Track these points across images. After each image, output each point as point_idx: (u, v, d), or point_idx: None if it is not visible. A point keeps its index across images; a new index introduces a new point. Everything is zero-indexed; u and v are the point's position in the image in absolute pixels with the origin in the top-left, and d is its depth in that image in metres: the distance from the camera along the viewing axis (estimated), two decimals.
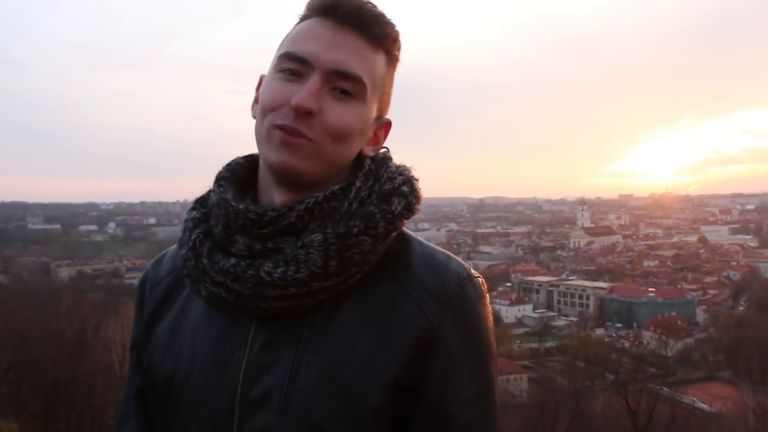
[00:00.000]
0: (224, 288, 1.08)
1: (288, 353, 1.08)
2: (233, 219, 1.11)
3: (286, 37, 1.15)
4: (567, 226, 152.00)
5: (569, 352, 56.81)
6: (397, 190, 1.13)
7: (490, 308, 1.17)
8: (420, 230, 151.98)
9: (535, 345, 71.64)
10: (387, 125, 1.22)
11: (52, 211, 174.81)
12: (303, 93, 1.06)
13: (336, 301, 1.09)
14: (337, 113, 1.09)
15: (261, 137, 1.12)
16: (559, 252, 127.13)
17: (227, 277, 1.08)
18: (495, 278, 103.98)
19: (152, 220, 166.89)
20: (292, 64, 1.09)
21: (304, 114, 1.06)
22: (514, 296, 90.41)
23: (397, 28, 1.16)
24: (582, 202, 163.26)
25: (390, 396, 1.05)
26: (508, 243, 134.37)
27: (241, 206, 1.11)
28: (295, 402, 1.05)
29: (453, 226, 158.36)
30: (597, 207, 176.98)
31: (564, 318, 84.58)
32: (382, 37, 1.13)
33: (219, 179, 1.19)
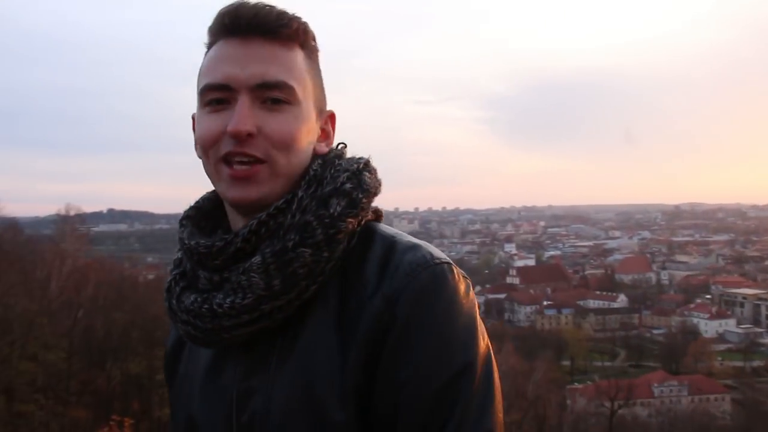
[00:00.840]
0: (190, 325, 1.10)
1: (263, 376, 1.08)
2: (189, 256, 1.13)
3: (199, 71, 1.13)
4: None
5: None
6: (338, 190, 1.09)
7: (464, 297, 1.07)
8: (610, 238, 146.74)
9: (739, 363, 66.94)
10: (331, 117, 1.21)
11: None
12: (236, 117, 1.05)
13: (301, 316, 1.08)
14: (277, 124, 1.07)
15: (212, 176, 1.12)
16: (767, 263, 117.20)
17: (189, 314, 1.09)
18: (692, 290, 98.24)
19: None
20: (216, 94, 1.08)
21: (246, 138, 1.06)
22: (714, 309, 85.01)
23: (302, 18, 1.13)
24: None
25: (357, 406, 1.02)
26: (708, 252, 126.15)
27: (192, 242, 1.11)
28: (271, 426, 1.06)
29: (646, 234, 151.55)
30: None
31: None
32: (291, 34, 1.11)
33: (181, 219, 1.19)
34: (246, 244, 1.07)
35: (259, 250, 1.06)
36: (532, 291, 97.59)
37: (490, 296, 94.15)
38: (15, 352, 25.86)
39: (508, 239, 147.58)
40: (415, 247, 1.09)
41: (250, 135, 1.06)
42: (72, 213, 41.70)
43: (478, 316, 1.08)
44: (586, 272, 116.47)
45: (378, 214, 1.18)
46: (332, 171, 1.12)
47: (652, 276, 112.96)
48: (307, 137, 1.12)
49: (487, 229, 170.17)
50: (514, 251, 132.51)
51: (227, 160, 1.08)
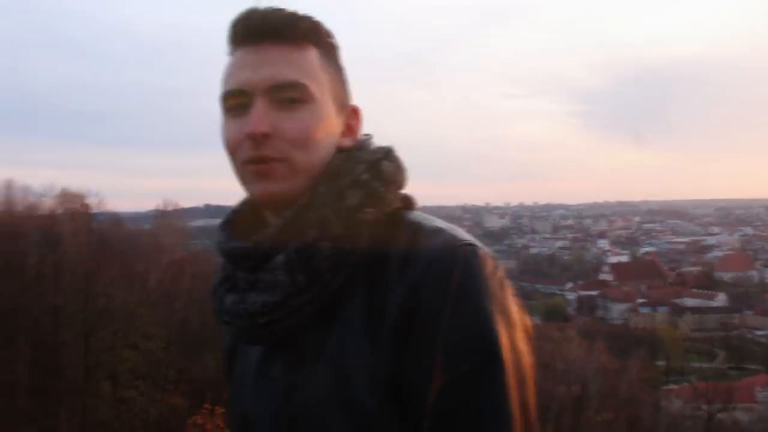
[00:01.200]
0: (232, 326, 1.14)
1: (302, 370, 1.10)
2: (228, 260, 1.16)
3: (221, 80, 1.17)
4: None
5: None
6: (355, 181, 1.10)
7: (490, 278, 1.04)
8: (709, 234, 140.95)
9: None
10: (355, 112, 1.22)
11: None
12: (251, 119, 1.08)
13: (331, 309, 1.08)
14: (293, 123, 1.09)
15: (240, 178, 1.15)
16: None
17: (229, 315, 1.13)
18: None
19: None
20: (235, 100, 1.12)
21: (263, 138, 1.08)
22: None
23: (314, 18, 1.16)
24: None
25: (389, 394, 1.02)
26: None
27: (228, 246, 1.15)
28: (311, 417, 1.07)
29: (748, 230, 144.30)
30: None
31: None
32: (301, 34, 1.13)
33: (220, 224, 1.23)
34: (275, 243, 1.09)
35: (285, 248, 1.08)
36: (625, 288, 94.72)
37: (582, 293, 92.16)
38: (118, 341, 27.31)
39: (601, 235, 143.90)
40: (438, 231, 1.08)
41: (266, 135, 1.08)
42: (170, 208, 43.43)
43: (508, 295, 1.06)
44: (683, 269, 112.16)
45: (407, 202, 1.17)
46: (351, 163, 1.13)
47: (755, 274, 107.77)
48: (326, 133, 1.13)
49: (579, 225, 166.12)
50: (607, 247, 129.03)
51: (250, 161, 1.10)
